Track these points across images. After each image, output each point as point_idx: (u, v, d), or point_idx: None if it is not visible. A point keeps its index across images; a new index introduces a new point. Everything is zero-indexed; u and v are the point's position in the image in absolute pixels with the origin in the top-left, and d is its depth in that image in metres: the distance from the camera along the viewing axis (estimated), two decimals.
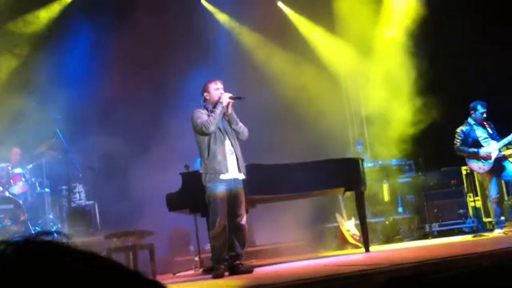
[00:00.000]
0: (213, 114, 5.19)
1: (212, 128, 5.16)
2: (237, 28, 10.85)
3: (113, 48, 9.10)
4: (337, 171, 6.66)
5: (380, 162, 9.37)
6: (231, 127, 5.38)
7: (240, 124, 5.42)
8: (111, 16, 9.26)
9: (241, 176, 5.32)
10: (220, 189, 5.18)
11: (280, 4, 11.13)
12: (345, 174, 6.70)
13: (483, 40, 8.71)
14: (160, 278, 6.50)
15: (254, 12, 10.13)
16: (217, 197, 5.16)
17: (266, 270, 5.64)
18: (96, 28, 9.32)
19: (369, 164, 9.20)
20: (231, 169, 5.24)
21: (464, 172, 8.94)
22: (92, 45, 9.39)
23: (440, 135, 8.52)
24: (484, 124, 7.46)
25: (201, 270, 6.64)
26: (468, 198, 9.01)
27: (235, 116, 5.38)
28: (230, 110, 5.32)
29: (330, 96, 10.31)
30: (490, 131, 7.42)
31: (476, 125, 7.46)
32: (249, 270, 5.19)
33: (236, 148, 5.34)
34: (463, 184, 9.05)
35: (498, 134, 7.41)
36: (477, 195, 8.93)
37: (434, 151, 9.02)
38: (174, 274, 6.86)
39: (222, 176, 5.17)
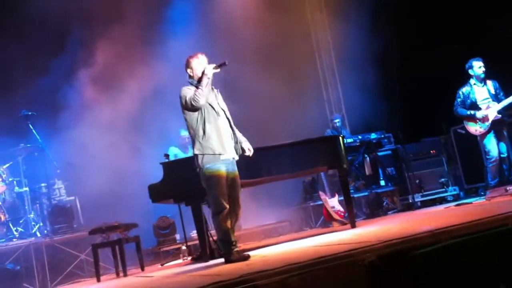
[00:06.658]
0: (200, 87, 4.97)
1: (202, 101, 4.93)
2: None
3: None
4: (318, 150, 6.65)
5: (359, 136, 9.39)
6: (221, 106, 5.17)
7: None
8: None
9: (237, 157, 5.18)
10: (221, 169, 4.94)
11: None
12: (326, 152, 6.69)
13: None
14: (148, 270, 6.46)
15: None
16: (220, 177, 4.90)
17: (255, 255, 5.61)
18: None
19: (349, 140, 9.22)
20: (228, 149, 5.04)
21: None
22: None
23: (419, 106, 8.58)
24: (486, 83, 7.30)
25: (189, 258, 6.62)
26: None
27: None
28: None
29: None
30: (492, 91, 7.25)
31: (478, 85, 7.33)
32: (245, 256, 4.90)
33: (233, 127, 5.19)
34: (443, 153, 9.14)
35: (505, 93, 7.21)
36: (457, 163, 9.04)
37: (413, 122, 9.06)
38: (162, 265, 6.81)
39: (221, 157, 4.96)
